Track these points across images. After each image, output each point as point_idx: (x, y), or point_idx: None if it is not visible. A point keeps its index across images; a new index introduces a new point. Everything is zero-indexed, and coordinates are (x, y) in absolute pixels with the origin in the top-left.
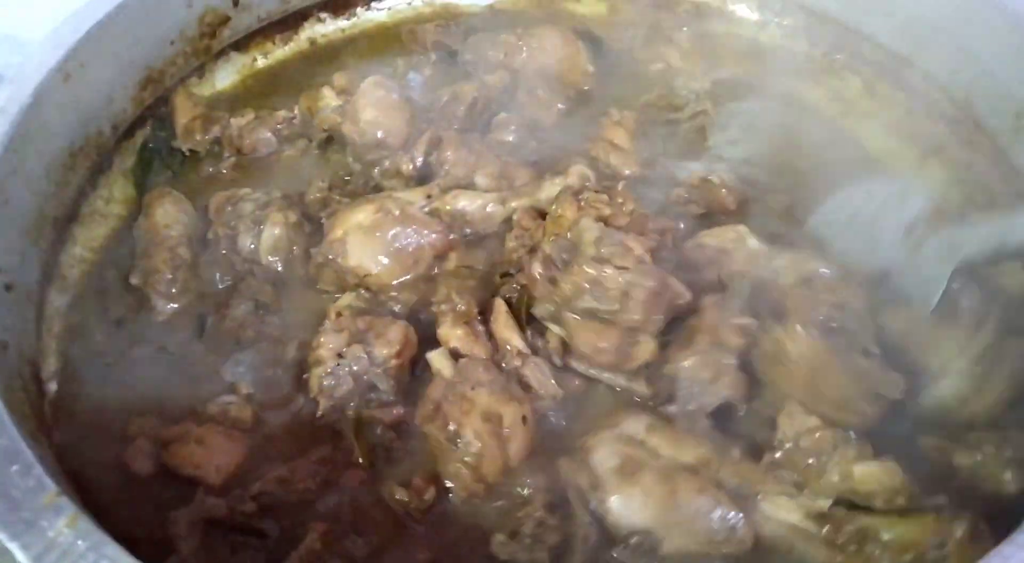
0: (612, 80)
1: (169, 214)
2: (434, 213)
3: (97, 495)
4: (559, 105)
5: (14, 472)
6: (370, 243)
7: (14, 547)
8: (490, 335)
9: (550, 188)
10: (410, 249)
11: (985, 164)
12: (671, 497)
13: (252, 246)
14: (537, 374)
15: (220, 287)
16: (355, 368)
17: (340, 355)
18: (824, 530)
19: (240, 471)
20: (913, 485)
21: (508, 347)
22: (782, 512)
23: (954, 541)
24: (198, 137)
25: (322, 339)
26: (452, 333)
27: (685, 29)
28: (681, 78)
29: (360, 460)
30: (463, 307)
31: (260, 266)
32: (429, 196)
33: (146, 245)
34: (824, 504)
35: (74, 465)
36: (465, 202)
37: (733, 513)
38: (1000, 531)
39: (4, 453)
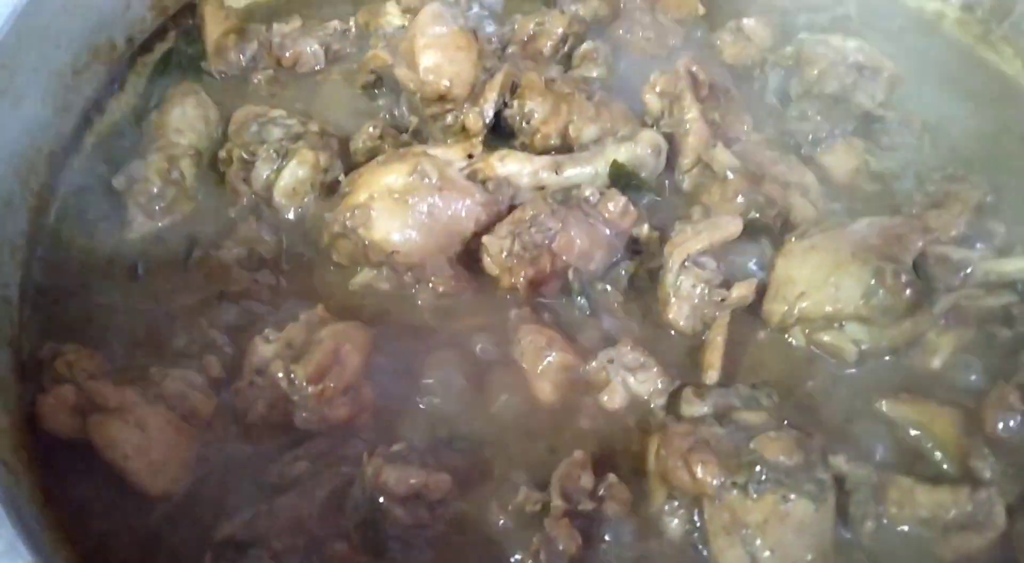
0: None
1: (187, 116)
2: (475, 176)
3: None
4: (672, 42)
5: None
6: (400, 213)
7: None
8: None
9: (613, 152)
10: (446, 223)
11: None
12: None
13: (267, 178)
14: None
15: (217, 219)
16: (269, 391)
17: (259, 372)
18: None
19: (179, 476)
20: None
21: None
22: None
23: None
24: (232, 56)
25: (251, 347)
26: None
27: None
28: None
29: None
30: None
31: (269, 207)
32: (471, 156)
33: (147, 145)
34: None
35: None
36: (514, 166)
37: None
38: None
39: None
